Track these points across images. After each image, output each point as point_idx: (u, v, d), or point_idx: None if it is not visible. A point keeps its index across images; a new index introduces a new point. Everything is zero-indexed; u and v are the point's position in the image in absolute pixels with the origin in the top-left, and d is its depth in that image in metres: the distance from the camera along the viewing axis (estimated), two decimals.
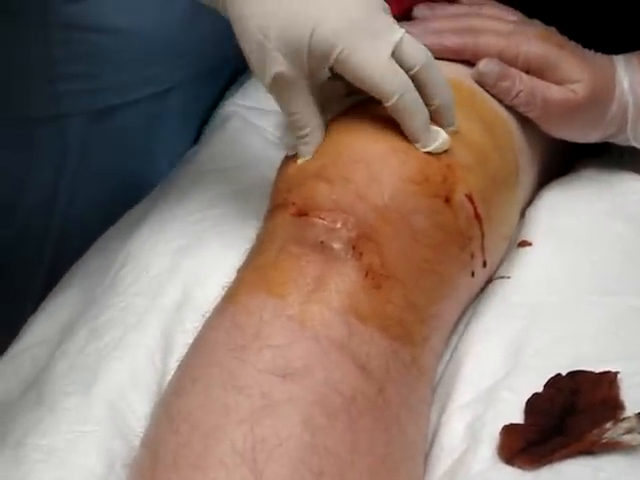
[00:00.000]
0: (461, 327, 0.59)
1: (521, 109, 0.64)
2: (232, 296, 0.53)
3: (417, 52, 0.55)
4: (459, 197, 0.55)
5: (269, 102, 0.59)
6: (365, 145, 0.55)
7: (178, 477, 0.45)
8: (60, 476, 0.50)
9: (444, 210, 0.55)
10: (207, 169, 0.72)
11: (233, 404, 0.47)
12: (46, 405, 0.54)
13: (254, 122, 0.79)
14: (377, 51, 0.54)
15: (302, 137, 0.56)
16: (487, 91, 0.63)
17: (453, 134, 0.56)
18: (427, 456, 0.53)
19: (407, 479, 0.50)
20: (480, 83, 0.63)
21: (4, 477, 0.50)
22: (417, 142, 0.55)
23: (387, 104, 0.54)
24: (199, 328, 0.54)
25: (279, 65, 0.54)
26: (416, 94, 0.55)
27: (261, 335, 0.49)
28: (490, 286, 0.61)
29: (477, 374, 0.55)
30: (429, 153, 0.55)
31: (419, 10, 0.68)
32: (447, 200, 0.55)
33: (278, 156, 0.61)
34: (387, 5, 0.56)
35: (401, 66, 0.55)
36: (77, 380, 0.55)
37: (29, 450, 0.51)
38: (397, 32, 0.55)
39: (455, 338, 0.59)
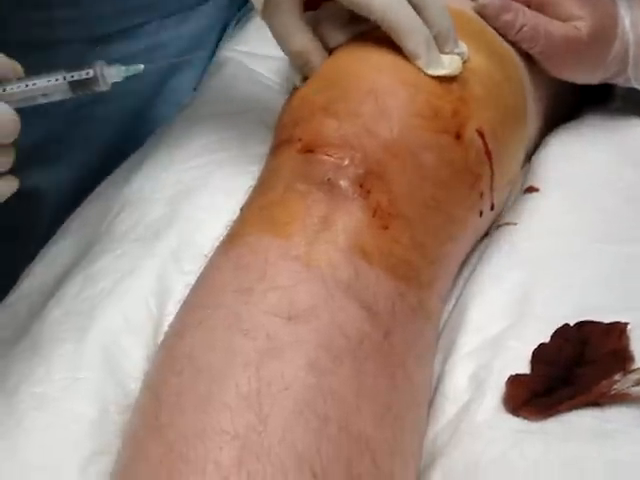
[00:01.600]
0: (466, 272, 0.58)
1: (524, 45, 0.61)
2: (237, 236, 0.51)
3: None
4: (470, 133, 0.53)
5: (267, 48, 0.57)
6: (373, 76, 0.53)
7: (182, 420, 0.43)
8: (53, 422, 0.48)
9: (454, 147, 0.53)
10: (204, 114, 0.70)
11: (238, 347, 0.45)
12: (40, 352, 0.52)
13: (252, 68, 0.76)
14: None
15: (302, 64, 0.55)
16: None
17: (463, 64, 0.54)
18: (430, 404, 0.51)
19: (411, 426, 0.48)
20: (482, 16, 0.60)
21: None
22: (417, 59, 0.53)
23: (380, 23, 0.52)
24: (201, 269, 0.52)
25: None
26: (410, 10, 0.53)
27: (266, 277, 0.47)
28: (497, 232, 0.59)
29: (482, 322, 0.53)
30: (440, 81, 0.53)
31: None
32: (458, 136, 0.52)
33: (277, 100, 0.59)
34: None
35: None
36: (71, 327, 0.53)
37: (23, 397, 0.50)
38: None
39: (460, 283, 0.57)
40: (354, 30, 0.56)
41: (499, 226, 0.59)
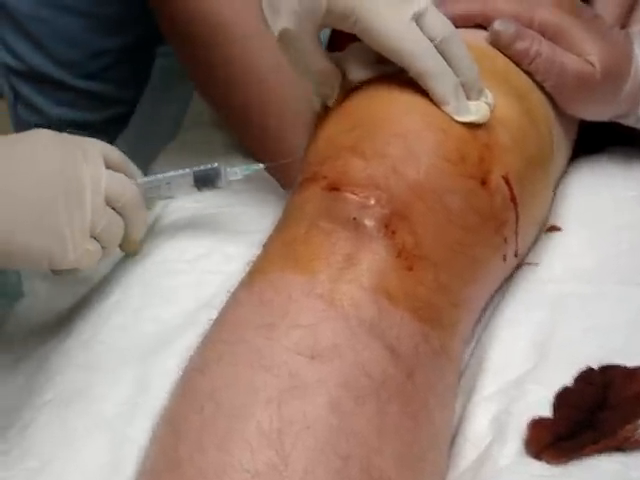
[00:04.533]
0: (487, 313, 0.58)
1: (538, 77, 0.60)
2: (259, 271, 0.51)
3: (440, 24, 0.54)
4: (496, 179, 0.53)
5: None
6: (402, 118, 0.53)
7: (202, 457, 0.43)
8: None
9: (480, 192, 0.53)
10: None
11: (260, 383, 0.45)
12: None
13: None
14: (397, 16, 0.52)
15: (323, 85, 0.56)
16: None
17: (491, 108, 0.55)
18: (451, 447, 0.51)
19: (432, 468, 0.48)
20: (495, 44, 0.60)
21: None
22: (445, 105, 0.53)
23: (409, 68, 0.53)
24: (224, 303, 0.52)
25: (285, 22, 0.53)
26: (439, 58, 0.53)
27: (289, 314, 0.47)
28: (518, 272, 0.59)
29: (503, 364, 0.53)
30: (467, 127, 0.53)
31: None
32: (484, 182, 0.53)
33: None
34: None
35: None
36: None
37: None
38: (420, 1, 0.53)
39: (481, 325, 0.57)
40: (379, 70, 0.56)
41: (520, 266, 0.59)
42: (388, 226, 0.50)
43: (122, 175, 0.60)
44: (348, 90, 0.57)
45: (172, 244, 0.61)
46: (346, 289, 0.48)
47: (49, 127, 0.59)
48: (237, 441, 0.43)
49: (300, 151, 0.63)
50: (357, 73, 0.56)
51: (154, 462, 0.45)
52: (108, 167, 0.59)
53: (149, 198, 0.61)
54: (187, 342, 0.53)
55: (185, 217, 0.64)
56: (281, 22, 0.54)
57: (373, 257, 0.49)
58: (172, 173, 0.60)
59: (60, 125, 0.85)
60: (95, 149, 0.59)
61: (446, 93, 0.53)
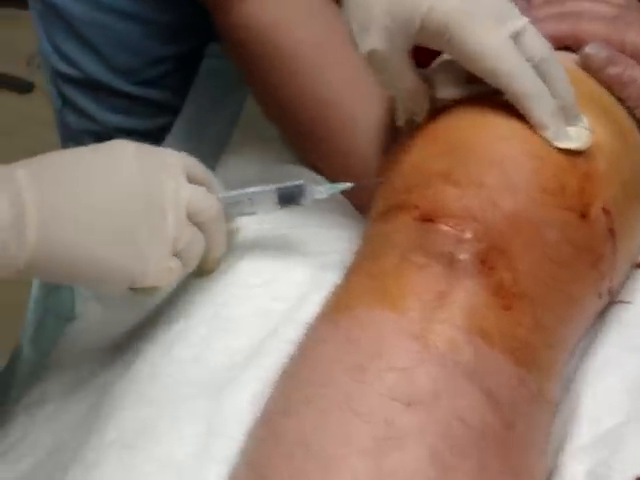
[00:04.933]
0: (577, 353, 0.54)
1: (630, 102, 0.56)
2: (344, 307, 0.47)
3: (538, 44, 0.51)
4: (596, 211, 0.50)
5: None
6: (497, 144, 0.50)
7: None
8: None
9: (579, 225, 0.49)
10: None
11: (354, 431, 0.42)
12: None
13: None
14: (495, 34, 0.49)
15: (412, 104, 0.53)
16: None
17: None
18: None
19: None
20: (586, 68, 0.56)
21: None
22: (544, 130, 0.50)
23: (505, 89, 0.50)
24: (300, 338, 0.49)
25: (376, 40, 0.51)
26: (538, 79, 0.50)
27: (381, 355, 0.44)
28: (609, 310, 0.55)
29: (598, 412, 0.49)
30: (565, 155, 0.49)
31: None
32: (583, 215, 0.49)
33: None
34: None
35: None
36: None
37: None
38: (519, 20, 0.50)
39: (571, 366, 0.53)
40: (470, 90, 0.53)
41: (612, 303, 0.56)
42: (485, 262, 0.47)
43: (204, 189, 0.56)
44: (434, 111, 0.54)
45: (239, 267, 0.58)
46: (441, 330, 0.45)
47: (100, 134, 0.56)
48: None
49: (371, 169, 0.60)
50: (446, 92, 0.53)
51: None
52: (190, 180, 0.56)
53: (229, 214, 0.57)
54: (258, 375, 0.50)
55: (254, 237, 0.61)
56: (371, 40, 0.51)
57: (469, 295, 0.46)
58: (255, 189, 0.57)
59: (113, 132, 0.82)
60: (177, 161, 0.56)
61: (545, 117, 0.50)
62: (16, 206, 0.49)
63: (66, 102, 0.88)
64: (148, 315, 0.59)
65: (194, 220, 0.55)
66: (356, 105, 0.65)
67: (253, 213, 0.58)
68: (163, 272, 0.54)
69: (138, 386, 0.50)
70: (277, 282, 0.56)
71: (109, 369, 0.56)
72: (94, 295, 0.67)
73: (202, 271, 0.58)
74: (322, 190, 0.57)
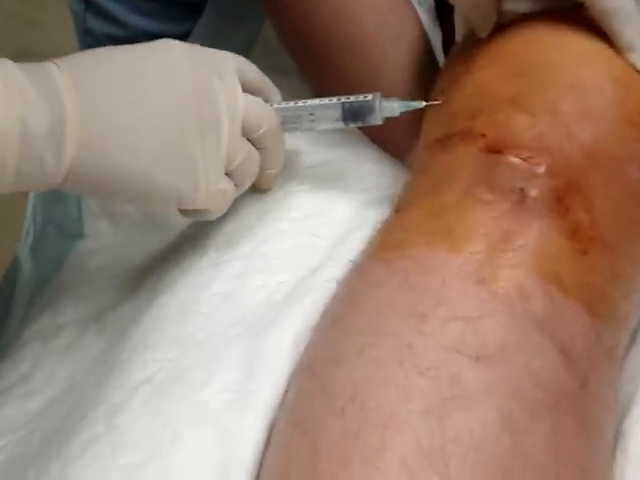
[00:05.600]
0: None
1: None
2: (400, 245, 0.42)
3: None
4: None
5: None
6: (576, 67, 0.44)
7: (348, 475, 0.36)
8: None
9: None
10: None
11: (415, 388, 0.37)
12: None
13: None
14: None
15: (477, 17, 0.47)
16: None
17: None
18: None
19: None
20: None
21: None
22: (633, 53, 0.44)
23: (591, 4, 0.44)
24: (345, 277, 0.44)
25: None
26: None
27: (444, 302, 0.39)
28: None
29: None
30: None
31: None
32: None
33: None
34: None
35: None
36: None
37: None
38: None
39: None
40: (547, 3, 0.47)
41: None
42: (561, 200, 0.42)
43: (260, 100, 0.50)
44: (500, 27, 0.48)
45: (276, 198, 0.52)
46: (511, 275, 0.40)
47: (125, 40, 0.49)
48: (391, 459, 0.36)
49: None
50: (517, 4, 0.47)
51: (285, 475, 0.38)
52: (244, 87, 0.49)
53: (287, 128, 0.51)
54: (299, 316, 0.46)
55: (291, 164, 0.55)
56: None
57: (542, 237, 0.41)
58: (316, 101, 0.50)
59: (139, 37, 0.75)
60: (230, 66, 0.49)
61: (636, 37, 0.44)
62: (54, 114, 0.43)
63: (89, 4, 0.81)
64: (173, 242, 0.53)
65: (249, 135, 0.49)
66: (386, 44, 0.58)
67: (312, 129, 0.51)
68: (215, 194, 0.48)
69: (165, 324, 0.45)
70: (318, 217, 0.50)
71: (129, 300, 0.50)
72: (105, 212, 0.62)
73: (256, 189, 0.52)
74: (395, 107, 0.49)
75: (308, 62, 0.59)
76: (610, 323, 0.42)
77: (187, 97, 0.46)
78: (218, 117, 0.47)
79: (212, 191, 0.48)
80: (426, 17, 0.62)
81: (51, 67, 0.44)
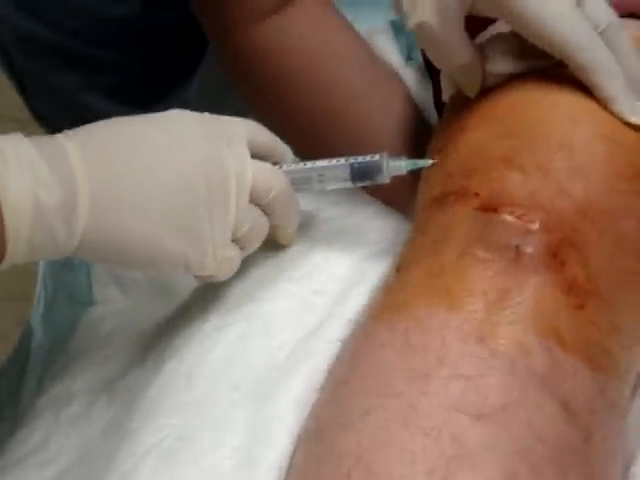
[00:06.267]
0: None
1: None
2: (401, 306, 0.43)
3: (603, 10, 0.47)
4: None
5: None
6: (565, 127, 0.45)
7: None
8: None
9: None
10: None
11: (419, 449, 0.38)
12: None
13: None
14: (558, 0, 0.45)
15: (464, 79, 0.48)
16: None
17: None
18: None
19: None
20: None
21: None
22: (616, 105, 0.45)
23: (569, 60, 0.45)
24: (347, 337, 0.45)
25: (427, 11, 0.46)
26: (607, 50, 0.46)
27: (445, 362, 0.40)
28: None
29: None
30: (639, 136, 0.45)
31: None
32: None
33: None
34: None
35: None
36: None
37: None
38: None
39: None
40: (528, 64, 0.48)
41: None
42: (556, 255, 0.42)
43: (269, 165, 0.51)
44: (488, 87, 0.49)
45: (276, 258, 0.53)
46: (510, 332, 0.41)
47: None
48: None
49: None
50: (502, 65, 0.48)
51: None
52: (254, 152, 0.50)
53: (298, 189, 0.52)
54: (302, 378, 0.46)
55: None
56: (422, 12, 0.46)
57: (539, 293, 0.42)
58: (325, 163, 0.51)
59: None
60: (240, 133, 0.50)
61: (617, 90, 0.45)
62: (66, 188, 0.44)
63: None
64: (179, 307, 0.54)
65: (259, 202, 0.50)
66: (372, 111, 0.59)
67: (322, 189, 0.52)
68: (222, 261, 0.49)
69: (173, 390, 0.46)
70: (317, 275, 0.51)
71: (138, 367, 0.51)
72: (114, 279, 0.63)
73: (281, 243, 0.54)
74: (402, 165, 0.50)
75: (294, 137, 0.58)
76: (612, 376, 0.43)
77: (197, 168, 0.47)
78: (227, 188, 0.48)
79: (219, 259, 0.49)
80: (416, 75, 0.63)
81: (62, 140, 0.46)
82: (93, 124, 0.48)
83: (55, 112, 0.85)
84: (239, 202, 0.48)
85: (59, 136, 0.46)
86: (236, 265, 0.50)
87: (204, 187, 0.47)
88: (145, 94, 0.82)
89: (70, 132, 0.47)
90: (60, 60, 0.81)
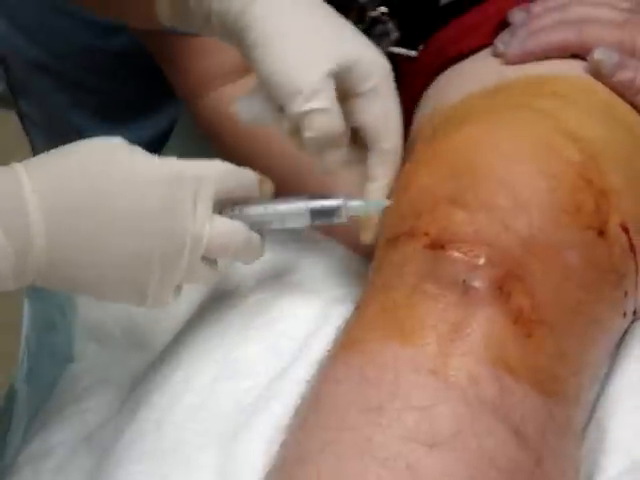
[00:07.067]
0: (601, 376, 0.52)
1: None
2: (356, 342, 0.45)
3: None
4: (613, 228, 0.48)
5: None
6: (506, 165, 0.48)
7: None
8: None
9: (598, 244, 0.47)
10: None
11: (374, 479, 0.40)
12: None
13: None
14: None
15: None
16: None
17: (601, 150, 0.49)
18: None
19: None
20: (595, 75, 0.53)
21: None
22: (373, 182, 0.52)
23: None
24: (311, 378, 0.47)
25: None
26: None
27: (399, 394, 0.42)
28: (632, 327, 0.53)
29: (629, 438, 0.47)
30: (579, 172, 0.47)
31: (513, 14, 0.60)
32: (601, 233, 0.47)
33: None
34: None
35: None
36: None
37: None
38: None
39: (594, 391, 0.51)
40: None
41: (634, 320, 0.53)
42: (502, 288, 0.44)
43: (229, 222, 0.51)
44: (439, 132, 0.52)
45: (243, 304, 0.55)
46: (461, 363, 0.43)
47: None
48: None
49: None
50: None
51: None
52: (222, 196, 0.50)
53: (257, 230, 0.53)
54: (269, 420, 0.48)
55: (250, 273, 0.58)
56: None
57: (488, 324, 0.44)
58: (286, 206, 0.52)
59: None
60: (208, 187, 0.49)
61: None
62: (20, 238, 0.44)
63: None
64: (152, 358, 0.56)
65: (212, 256, 0.51)
66: None
67: (280, 227, 0.53)
68: (162, 305, 0.50)
69: (145, 437, 0.48)
70: (284, 319, 0.53)
71: (114, 418, 0.53)
72: (93, 335, 0.65)
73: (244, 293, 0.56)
74: (359, 207, 0.52)
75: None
76: (562, 400, 0.44)
77: (154, 240, 0.48)
78: (180, 251, 0.49)
79: (159, 304, 0.50)
80: None
81: (22, 179, 0.45)
82: (46, 157, 0.48)
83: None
84: (190, 263, 0.49)
85: (14, 168, 0.46)
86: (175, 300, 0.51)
87: (158, 255, 0.48)
88: (131, 112, 0.86)
89: (25, 164, 0.46)
90: (50, 80, 0.86)
